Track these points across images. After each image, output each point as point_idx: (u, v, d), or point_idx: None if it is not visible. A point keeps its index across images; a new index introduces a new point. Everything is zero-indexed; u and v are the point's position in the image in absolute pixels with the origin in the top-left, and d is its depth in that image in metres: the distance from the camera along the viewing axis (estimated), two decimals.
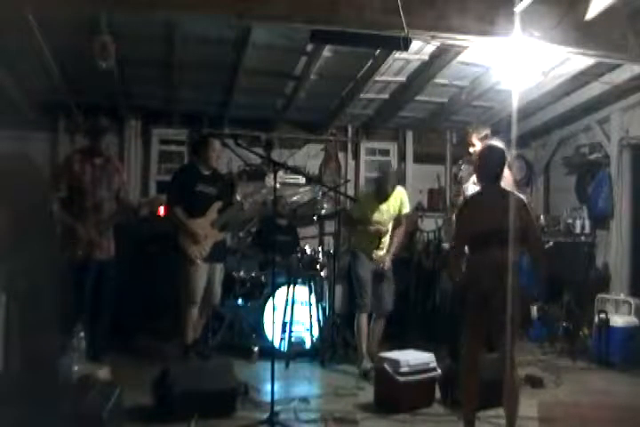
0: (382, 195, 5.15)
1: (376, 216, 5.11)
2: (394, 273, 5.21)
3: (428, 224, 6.76)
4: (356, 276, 5.11)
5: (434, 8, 3.95)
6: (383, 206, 5.15)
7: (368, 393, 4.27)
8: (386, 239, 5.19)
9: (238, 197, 5.29)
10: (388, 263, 5.14)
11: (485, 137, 4.97)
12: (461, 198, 5.07)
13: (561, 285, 6.13)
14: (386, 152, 7.70)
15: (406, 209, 5.33)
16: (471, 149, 5.01)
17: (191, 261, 4.86)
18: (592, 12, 4.06)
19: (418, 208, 7.33)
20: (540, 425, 3.78)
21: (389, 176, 5.20)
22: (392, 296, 5.16)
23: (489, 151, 3.67)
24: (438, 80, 5.86)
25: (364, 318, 5.02)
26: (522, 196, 3.56)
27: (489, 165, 3.57)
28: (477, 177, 3.83)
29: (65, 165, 4.86)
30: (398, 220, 5.28)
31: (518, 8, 3.85)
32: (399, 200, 5.25)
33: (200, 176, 5.03)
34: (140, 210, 5.08)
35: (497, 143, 3.70)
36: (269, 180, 5.05)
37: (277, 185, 4.10)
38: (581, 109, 6.46)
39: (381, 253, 5.15)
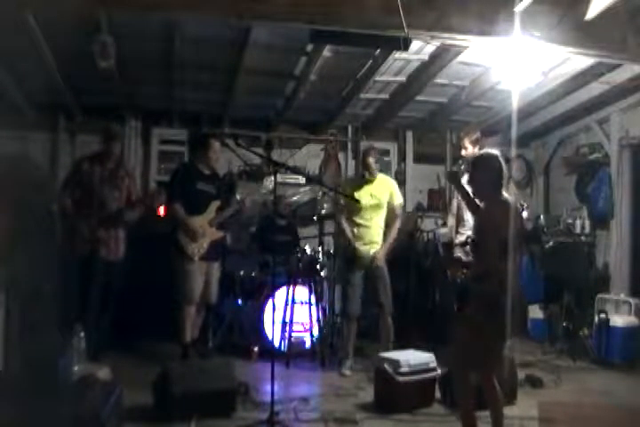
0: (365, 172, 5.08)
1: (362, 199, 4.94)
2: (393, 273, 5.19)
3: (428, 224, 6.76)
4: (345, 280, 5.10)
5: (434, 8, 3.94)
6: (367, 189, 5.05)
7: (368, 393, 4.28)
8: (377, 233, 5.11)
9: (238, 197, 5.29)
10: (380, 261, 5.04)
11: (477, 140, 5.02)
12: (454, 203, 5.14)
13: (561, 285, 6.13)
14: (386, 152, 7.69)
15: (399, 199, 5.21)
16: (463, 152, 5.06)
17: (189, 259, 4.88)
18: (592, 12, 4.05)
19: (418, 208, 7.33)
20: (540, 425, 3.78)
21: (370, 150, 5.19)
22: (388, 294, 5.04)
23: (484, 161, 3.44)
24: (438, 80, 5.86)
25: (350, 323, 5.06)
26: (515, 202, 3.48)
27: (487, 177, 3.36)
28: (476, 191, 3.50)
29: (74, 171, 4.96)
30: (392, 212, 5.17)
31: (518, 8, 3.84)
32: (387, 188, 5.15)
33: (199, 175, 5.07)
34: (141, 203, 5.09)
35: (491, 151, 3.51)
36: (268, 182, 5.05)
37: (277, 185, 4.11)
38: (581, 109, 6.46)
39: (372, 248, 5.05)
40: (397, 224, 5.20)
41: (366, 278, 5.05)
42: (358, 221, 5.08)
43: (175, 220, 4.95)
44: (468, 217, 5.18)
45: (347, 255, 5.14)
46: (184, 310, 4.91)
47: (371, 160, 5.07)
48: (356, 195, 4.98)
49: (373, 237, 5.09)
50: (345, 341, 5.14)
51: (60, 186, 5.06)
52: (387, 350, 4.95)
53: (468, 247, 5.06)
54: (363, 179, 5.16)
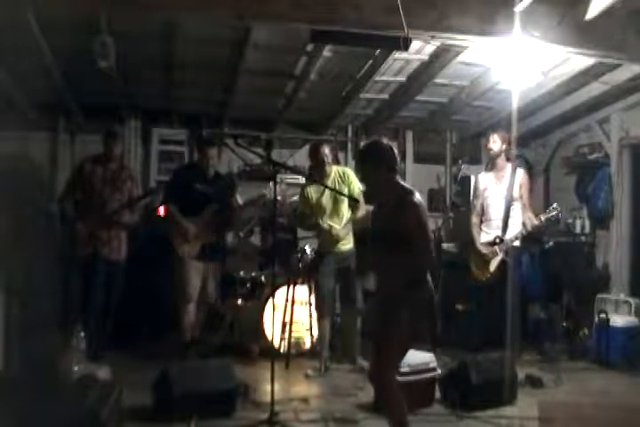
0: (315, 173, 4.94)
1: (322, 204, 4.82)
2: None
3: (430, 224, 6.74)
4: (316, 281, 5.07)
5: (434, 8, 3.94)
6: (324, 193, 4.88)
7: (368, 393, 4.26)
8: (346, 233, 4.94)
9: (239, 200, 5.28)
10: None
11: (505, 138, 5.23)
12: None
13: (561, 285, 6.13)
14: None
15: (357, 188, 4.84)
16: (489, 146, 5.29)
17: (182, 260, 4.94)
18: (592, 12, 4.05)
19: None
20: (540, 425, 3.78)
21: (315, 148, 4.97)
22: (360, 295, 5.01)
23: (374, 147, 3.42)
24: (438, 80, 5.86)
25: (326, 324, 5.01)
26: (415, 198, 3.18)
27: (378, 166, 3.34)
28: (368, 183, 3.49)
29: (76, 173, 4.99)
30: (354, 205, 4.81)
31: (518, 8, 3.85)
32: (344, 180, 4.85)
33: (198, 176, 5.10)
34: (139, 200, 5.12)
35: (379, 139, 3.46)
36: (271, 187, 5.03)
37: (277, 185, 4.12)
38: (581, 109, 6.45)
39: (345, 247, 4.97)
40: (362, 217, 4.88)
41: (340, 279, 5.01)
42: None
43: (170, 221, 4.99)
44: (495, 216, 5.23)
45: (320, 260, 5.07)
46: (181, 308, 4.96)
47: (317, 160, 4.86)
48: (318, 198, 4.91)
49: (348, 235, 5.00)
50: (318, 340, 5.13)
51: (63, 189, 5.09)
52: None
53: (496, 247, 5.19)
54: (314, 176, 4.95)
